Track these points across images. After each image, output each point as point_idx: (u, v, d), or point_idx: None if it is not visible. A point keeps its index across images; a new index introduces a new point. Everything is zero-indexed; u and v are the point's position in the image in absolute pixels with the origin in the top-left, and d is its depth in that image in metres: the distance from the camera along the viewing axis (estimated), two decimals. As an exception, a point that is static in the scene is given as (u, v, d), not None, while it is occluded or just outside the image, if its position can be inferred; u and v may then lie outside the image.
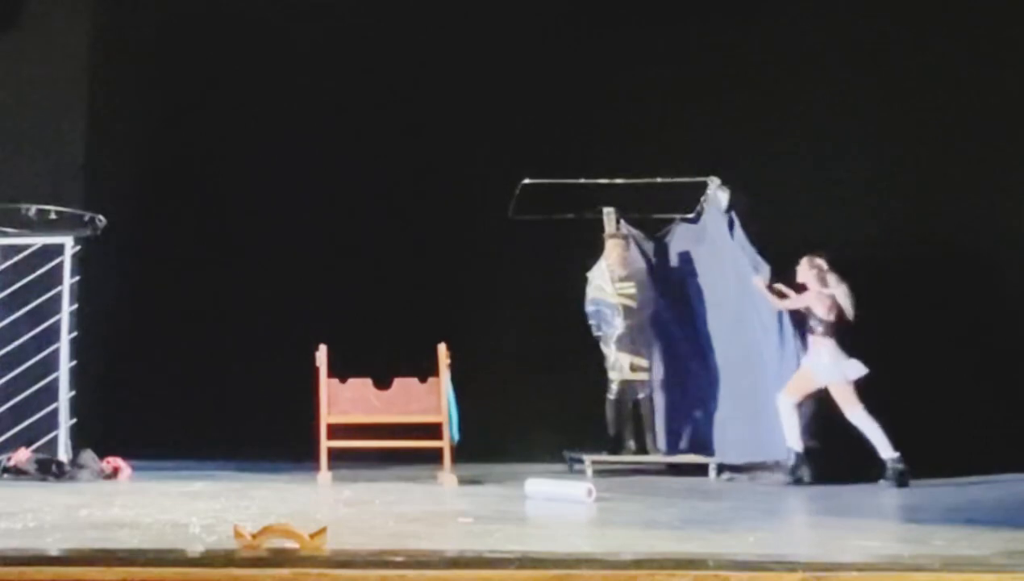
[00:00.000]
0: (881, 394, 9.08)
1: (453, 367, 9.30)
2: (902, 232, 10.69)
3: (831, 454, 9.02)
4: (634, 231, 10.55)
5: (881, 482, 8.69)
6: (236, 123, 11.30)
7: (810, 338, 9.21)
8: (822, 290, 9.16)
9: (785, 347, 9.33)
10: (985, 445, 9.55)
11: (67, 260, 9.93)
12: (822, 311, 9.12)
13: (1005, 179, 10.49)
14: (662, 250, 10.64)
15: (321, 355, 9.28)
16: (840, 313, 9.11)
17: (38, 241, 9.99)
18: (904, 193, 10.69)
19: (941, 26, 10.65)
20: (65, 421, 9.79)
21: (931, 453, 8.83)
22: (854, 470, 8.84)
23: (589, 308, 10.28)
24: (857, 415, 8.97)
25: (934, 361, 10.32)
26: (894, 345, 10.29)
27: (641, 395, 10.19)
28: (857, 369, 9.01)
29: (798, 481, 8.87)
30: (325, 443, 9.21)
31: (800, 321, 9.29)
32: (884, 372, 9.20)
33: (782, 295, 9.38)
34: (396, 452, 9.54)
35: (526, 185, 10.11)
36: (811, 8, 10.84)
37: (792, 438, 9.08)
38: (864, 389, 9.06)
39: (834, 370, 9.05)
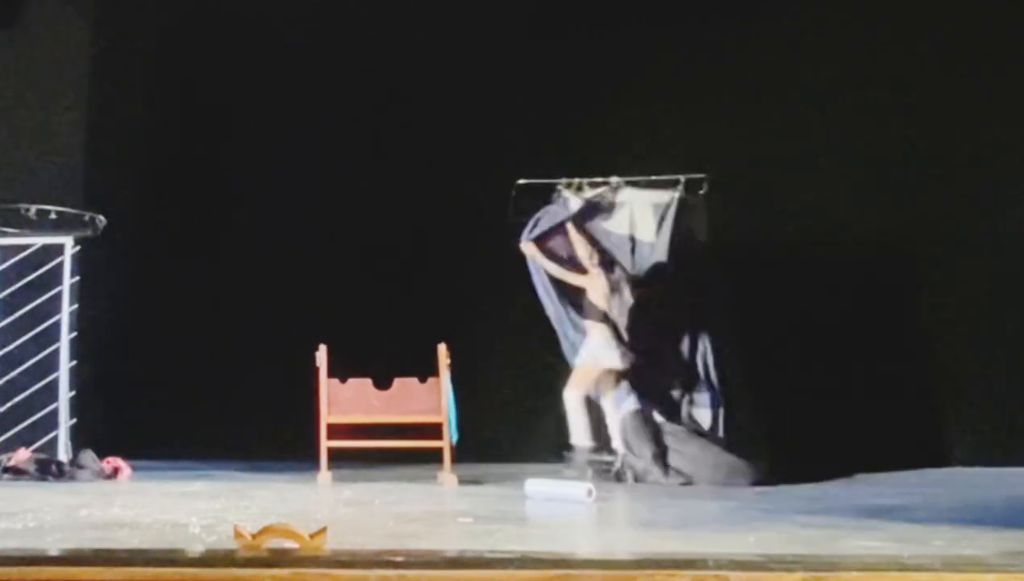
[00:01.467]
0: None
1: (453, 367, 9.31)
2: (897, 230, 10.74)
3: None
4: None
5: (566, 470, 9.08)
6: (236, 123, 11.31)
7: (585, 323, 9.53)
8: (601, 277, 9.53)
9: None
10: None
11: (67, 260, 9.94)
12: (598, 297, 9.48)
13: (1002, 176, 10.50)
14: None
15: (321, 355, 9.29)
16: (611, 302, 9.50)
17: (38, 241, 9.99)
18: (899, 192, 10.69)
19: (941, 26, 10.67)
20: (65, 421, 9.80)
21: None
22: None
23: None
24: (572, 397, 9.33)
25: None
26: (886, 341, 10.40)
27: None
28: (616, 360, 9.35)
29: (618, 479, 9.04)
30: (325, 443, 9.21)
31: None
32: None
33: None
34: (396, 452, 9.56)
35: (521, 186, 10.12)
36: (810, 9, 10.85)
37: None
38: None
39: (598, 354, 9.36)
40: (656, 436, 9.25)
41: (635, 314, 9.59)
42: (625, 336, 9.53)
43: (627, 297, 9.58)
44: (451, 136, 10.99)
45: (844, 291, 10.54)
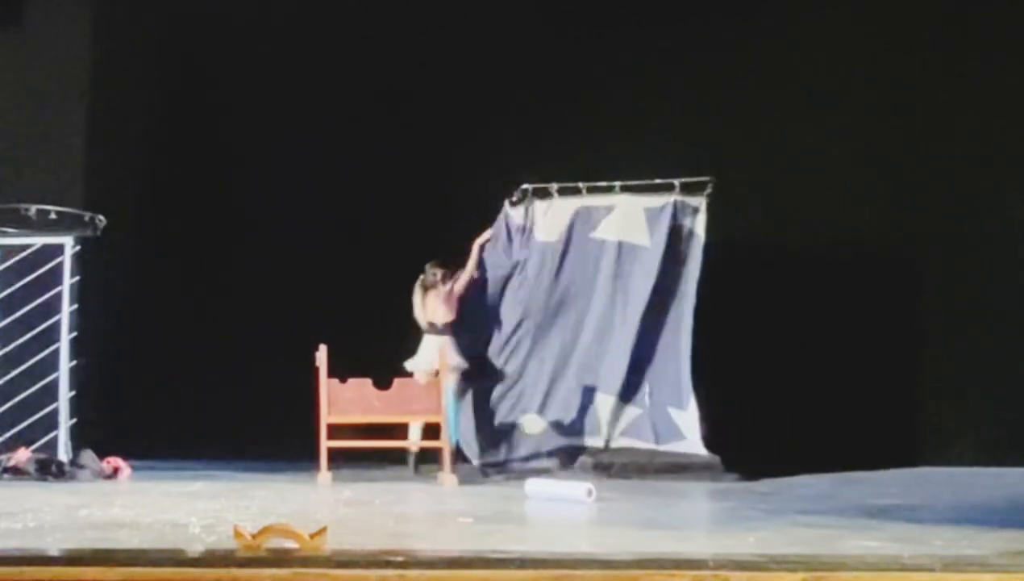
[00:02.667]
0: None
1: (452, 367, 9.34)
2: (897, 230, 10.74)
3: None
4: None
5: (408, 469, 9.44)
6: (236, 123, 11.29)
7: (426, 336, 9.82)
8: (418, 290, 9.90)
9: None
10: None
11: (67, 260, 9.92)
12: (419, 309, 9.88)
13: (1002, 176, 10.51)
14: None
15: (321, 355, 9.28)
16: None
17: (38, 241, 9.98)
18: (899, 192, 10.70)
19: (941, 26, 10.68)
20: (65, 421, 9.79)
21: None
22: None
23: None
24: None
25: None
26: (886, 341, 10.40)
27: None
28: (458, 364, 9.72)
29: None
30: (325, 443, 9.21)
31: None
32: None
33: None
34: (396, 452, 9.56)
35: (524, 189, 10.13)
36: (810, 9, 10.85)
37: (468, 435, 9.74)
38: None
39: (433, 363, 9.55)
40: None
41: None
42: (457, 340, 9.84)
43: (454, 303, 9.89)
44: (451, 136, 10.98)
45: (844, 291, 10.55)
